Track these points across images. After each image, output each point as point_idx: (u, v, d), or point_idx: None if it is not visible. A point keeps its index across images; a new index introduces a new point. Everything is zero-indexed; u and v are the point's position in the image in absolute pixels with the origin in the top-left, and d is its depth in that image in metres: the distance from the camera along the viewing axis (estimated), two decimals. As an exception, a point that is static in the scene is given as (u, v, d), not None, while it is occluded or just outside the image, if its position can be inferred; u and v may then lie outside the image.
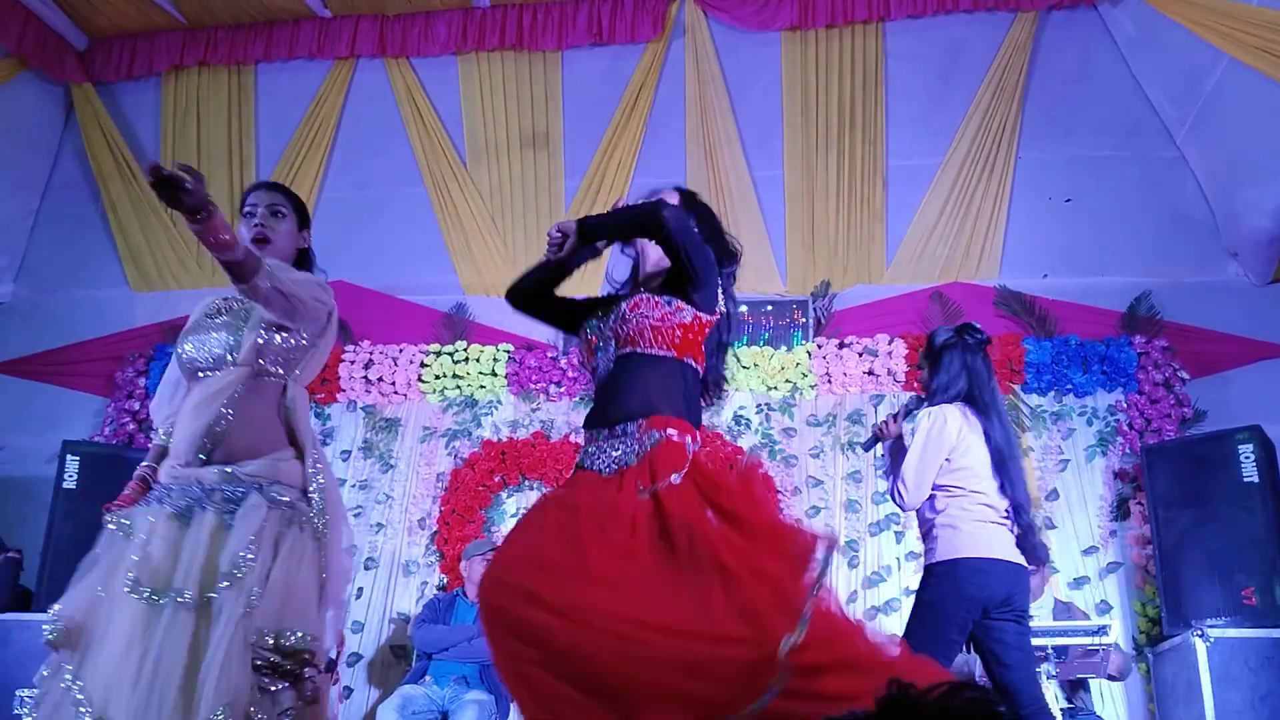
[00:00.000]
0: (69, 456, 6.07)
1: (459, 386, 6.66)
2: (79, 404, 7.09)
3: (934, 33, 6.83)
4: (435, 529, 6.35)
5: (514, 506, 6.40)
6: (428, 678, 5.37)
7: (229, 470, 2.80)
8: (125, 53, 7.49)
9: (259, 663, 2.63)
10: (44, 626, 2.67)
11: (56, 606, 2.68)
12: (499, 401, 6.64)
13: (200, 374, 2.92)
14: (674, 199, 2.97)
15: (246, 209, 3.04)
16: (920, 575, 3.93)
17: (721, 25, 7.00)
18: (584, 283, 3.26)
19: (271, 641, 2.64)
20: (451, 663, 5.40)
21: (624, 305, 2.81)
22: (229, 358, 2.90)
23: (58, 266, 7.48)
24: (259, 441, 2.86)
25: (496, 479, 6.40)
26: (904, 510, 4.14)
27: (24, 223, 7.51)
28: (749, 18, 6.92)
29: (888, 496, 4.16)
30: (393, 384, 6.67)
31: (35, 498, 6.33)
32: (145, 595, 2.61)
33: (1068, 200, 6.52)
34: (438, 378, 6.66)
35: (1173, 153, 6.42)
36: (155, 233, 7.33)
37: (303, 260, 3.13)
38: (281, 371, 2.95)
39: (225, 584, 2.63)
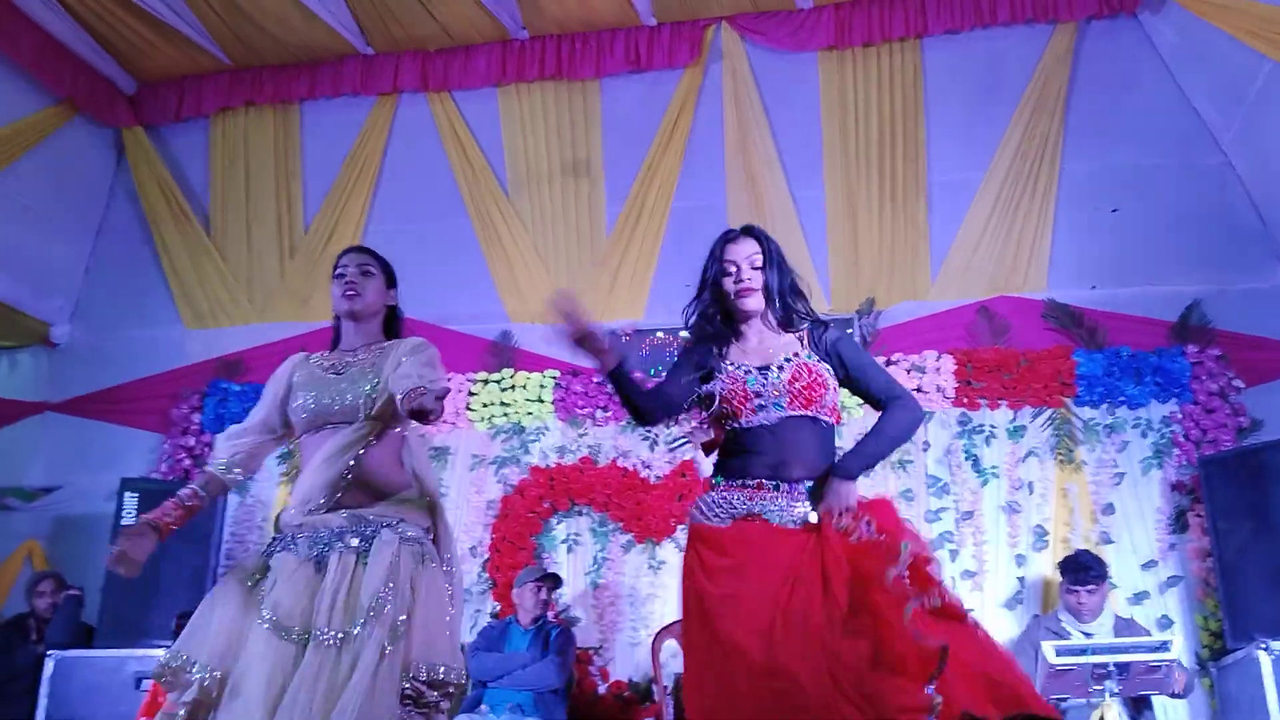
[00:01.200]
0: (127, 494, 6.19)
1: (506, 414, 6.69)
2: (136, 441, 7.22)
3: (973, 47, 6.80)
4: (487, 556, 6.38)
5: (564, 532, 6.41)
6: (483, 706, 5.38)
7: (357, 513, 2.90)
8: (173, 96, 7.66)
9: (408, 695, 2.73)
10: (184, 673, 2.69)
11: (191, 656, 2.70)
12: (546, 428, 6.66)
13: (328, 425, 3.00)
14: (751, 246, 3.02)
15: (338, 271, 3.15)
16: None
17: (758, 48, 7.03)
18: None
19: (425, 676, 2.76)
20: (506, 690, 5.40)
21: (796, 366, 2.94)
22: (362, 411, 2.98)
23: (112, 307, 7.63)
24: (384, 487, 2.97)
25: (546, 505, 6.42)
26: None
27: (79, 265, 7.68)
28: (785, 39, 6.94)
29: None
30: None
31: (95, 535, 6.46)
32: (284, 636, 2.69)
33: (1114, 210, 6.45)
34: (485, 405, 6.70)
35: (1219, 159, 6.34)
36: (206, 271, 7.47)
37: (391, 317, 3.25)
38: (402, 424, 3.06)
39: (369, 618, 2.71)
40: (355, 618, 2.72)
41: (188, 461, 6.93)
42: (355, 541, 2.85)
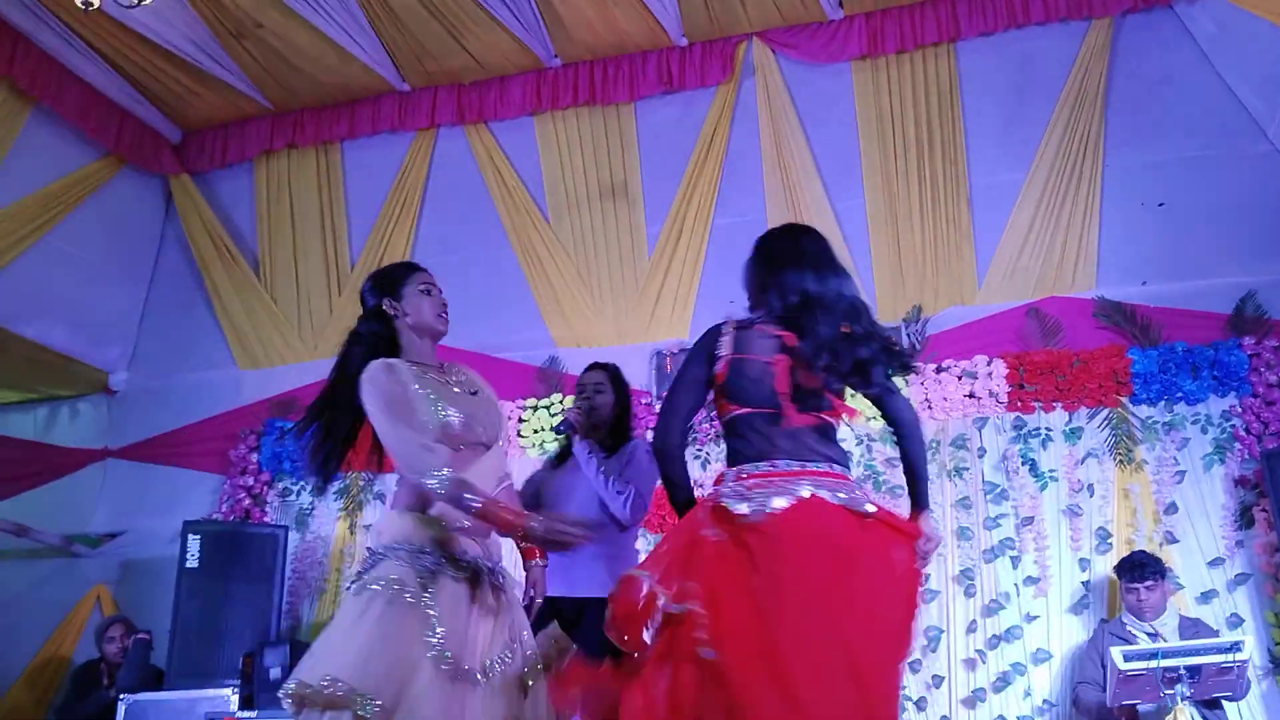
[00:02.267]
0: (190, 536, 6.27)
1: (557, 439, 6.70)
2: (197, 483, 7.33)
3: (1007, 48, 6.75)
4: (545, 583, 6.38)
5: (621, 556, 6.40)
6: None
7: (483, 543, 2.95)
8: (217, 142, 7.82)
9: None
10: (356, 705, 2.50)
11: (371, 693, 2.51)
12: (598, 451, 6.66)
13: (464, 446, 2.95)
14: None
15: (427, 288, 3.16)
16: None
17: (790, 61, 7.02)
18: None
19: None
20: (571, 716, 5.40)
21: None
22: (501, 436, 3.09)
23: (168, 352, 7.78)
24: None
25: (601, 529, 6.42)
26: (625, 525, 4.06)
27: (133, 313, 7.84)
28: (817, 51, 6.93)
29: (623, 507, 4.00)
30: (493, 442, 6.75)
31: (161, 578, 6.56)
32: (458, 678, 2.67)
33: (1161, 204, 6.36)
34: (535, 431, 6.73)
35: (1266, 147, 6.21)
36: (257, 313, 7.60)
37: None
38: None
39: (540, 666, 2.79)
40: (515, 659, 2.79)
41: (247, 501, 7.03)
42: (490, 573, 2.89)
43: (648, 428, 6.56)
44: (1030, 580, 5.75)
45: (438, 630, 2.65)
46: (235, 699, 5.56)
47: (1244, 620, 5.44)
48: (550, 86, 7.25)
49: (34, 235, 6.88)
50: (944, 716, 5.66)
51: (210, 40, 6.89)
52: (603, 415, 4.11)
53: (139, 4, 5.42)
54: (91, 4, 5.23)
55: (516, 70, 7.32)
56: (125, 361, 7.81)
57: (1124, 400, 5.99)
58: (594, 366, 4.33)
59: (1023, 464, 5.99)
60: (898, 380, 3.42)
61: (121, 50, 6.89)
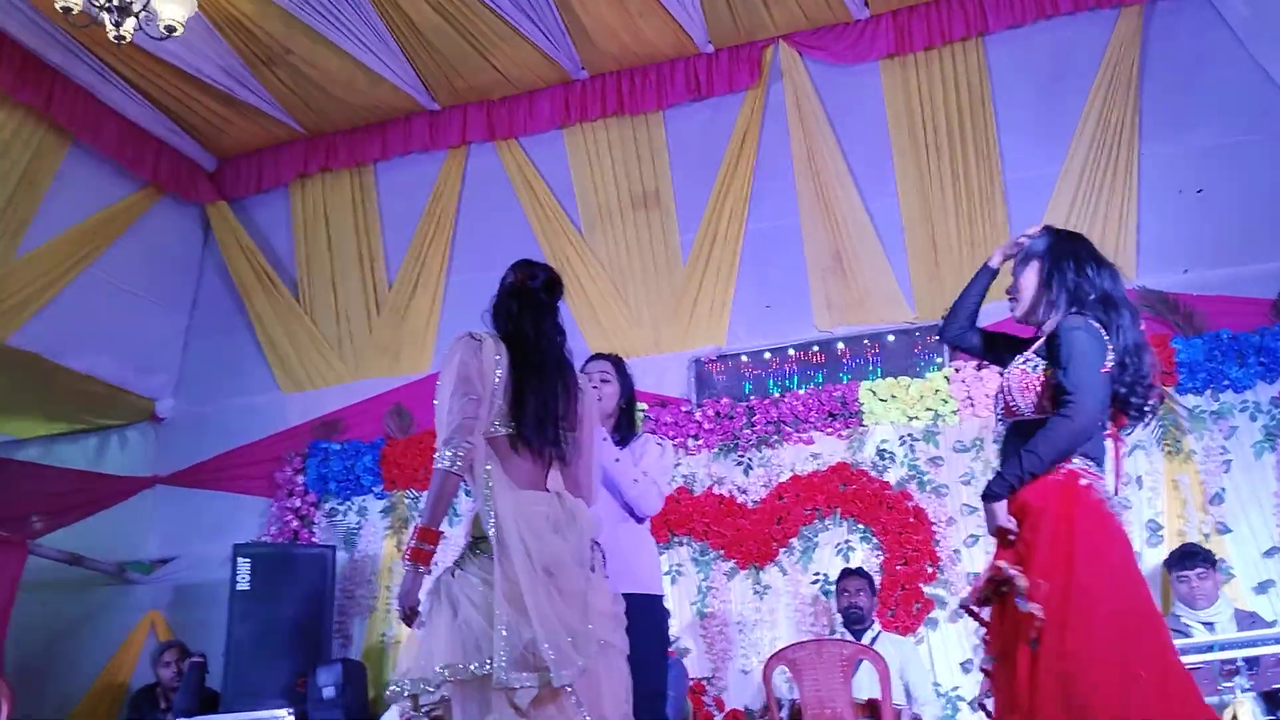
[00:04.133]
0: (240, 559, 6.33)
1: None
2: (245, 507, 7.41)
3: (1037, 39, 6.69)
4: (592, 594, 6.39)
5: (666, 563, 6.39)
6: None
7: None
8: (252, 168, 7.90)
9: None
10: None
11: None
12: (639, 460, 6.66)
13: None
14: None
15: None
16: None
17: (818, 63, 6.99)
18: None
19: None
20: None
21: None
22: None
23: (212, 377, 7.87)
24: None
25: (646, 538, 6.42)
26: (644, 518, 3.90)
27: (176, 340, 7.94)
28: (845, 52, 6.90)
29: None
30: (535, 454, 6.76)
31: (213, 602, 6.64)
32: None
33: (1199, 191, 6.27)
34: (577, 444, 6.73)
35: (1306, 129, 6.14)
36: (298, 335, 7.66)
37: None
38: None
39: None
40: None
41: (295, 523, 7.10)
42: None
43: (688, 435, 6.57)
44: (1080, 576, 5.68)
45: None
46: (290, 719, 5.61)
47: (1303, 609, 5.36)
48: (578, 99, 7.27)
49: (77, 268, 6.99)
50: (999, 716, 5.60)
51: (241, 68, 6.96)
52: (609, 406, 4.01)
53: (170, 35, 5.48)
54: (124, 37, 5.30)
55: (544, 84, 7.35)
56: (171, 389, 7.91)
57: (1169, 390, 5.91)
58: (598, 356, 4.19)
59: (1069, 458, 5.92)
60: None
61: (155, 82, 6.97)
